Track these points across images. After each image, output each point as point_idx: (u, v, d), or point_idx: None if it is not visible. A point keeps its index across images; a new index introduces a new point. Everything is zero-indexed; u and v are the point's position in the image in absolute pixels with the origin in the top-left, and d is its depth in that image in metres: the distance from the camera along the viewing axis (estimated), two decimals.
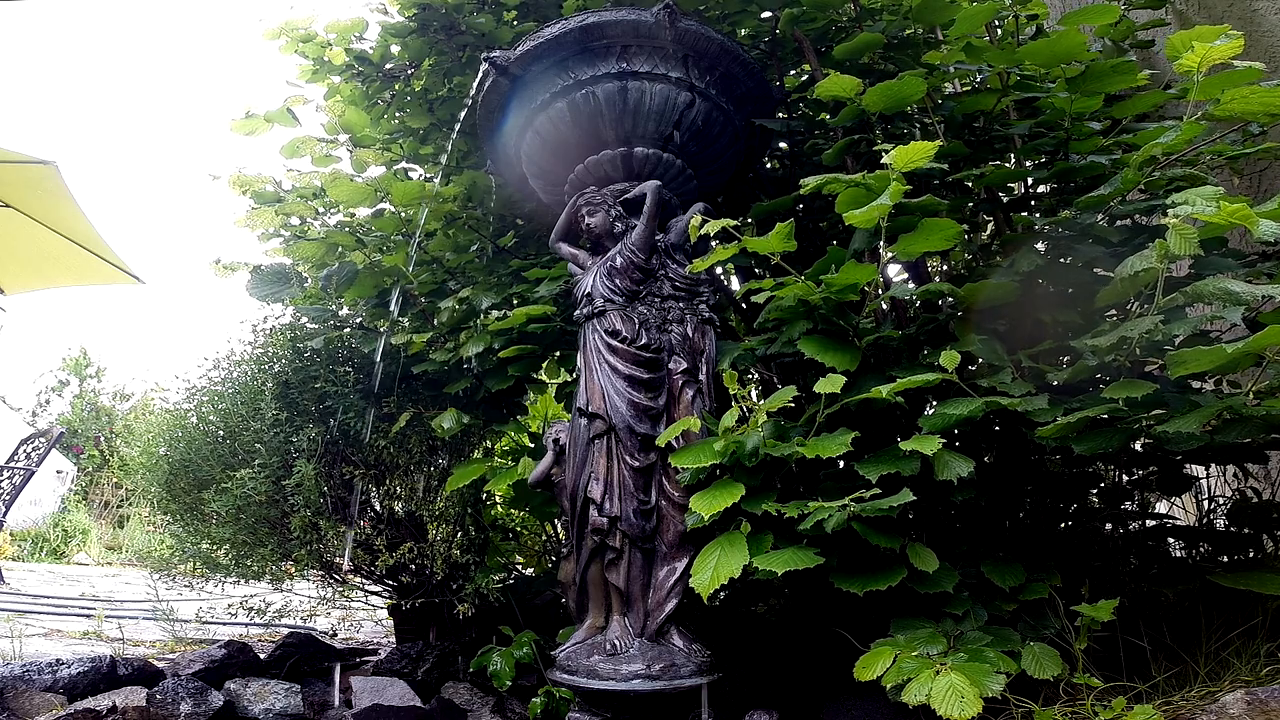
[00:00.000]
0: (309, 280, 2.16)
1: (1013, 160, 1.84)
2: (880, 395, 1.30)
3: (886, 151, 1.30)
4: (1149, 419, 1.24)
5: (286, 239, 2.25)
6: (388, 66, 2.39)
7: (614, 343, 1.64)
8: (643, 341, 1.64)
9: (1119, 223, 1.64)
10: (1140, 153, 1.33)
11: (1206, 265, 1.45)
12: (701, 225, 1.46)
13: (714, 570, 1.38)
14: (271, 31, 2.39)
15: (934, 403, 1.52)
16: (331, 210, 2.34)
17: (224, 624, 3.28)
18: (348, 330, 2.26)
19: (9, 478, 5.08)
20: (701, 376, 1.67)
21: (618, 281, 1.70)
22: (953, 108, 1.77)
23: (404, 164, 2.58)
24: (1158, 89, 1.71)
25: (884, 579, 1.33)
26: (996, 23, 1.91)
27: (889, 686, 1.23)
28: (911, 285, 1.77)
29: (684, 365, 1.66)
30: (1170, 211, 1.11)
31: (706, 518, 1.40)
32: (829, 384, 1.35)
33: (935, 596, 1.38)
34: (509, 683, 1.84)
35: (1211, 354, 1.09)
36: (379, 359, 2.10)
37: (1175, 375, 1.16)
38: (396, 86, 2.42)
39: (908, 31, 1.91)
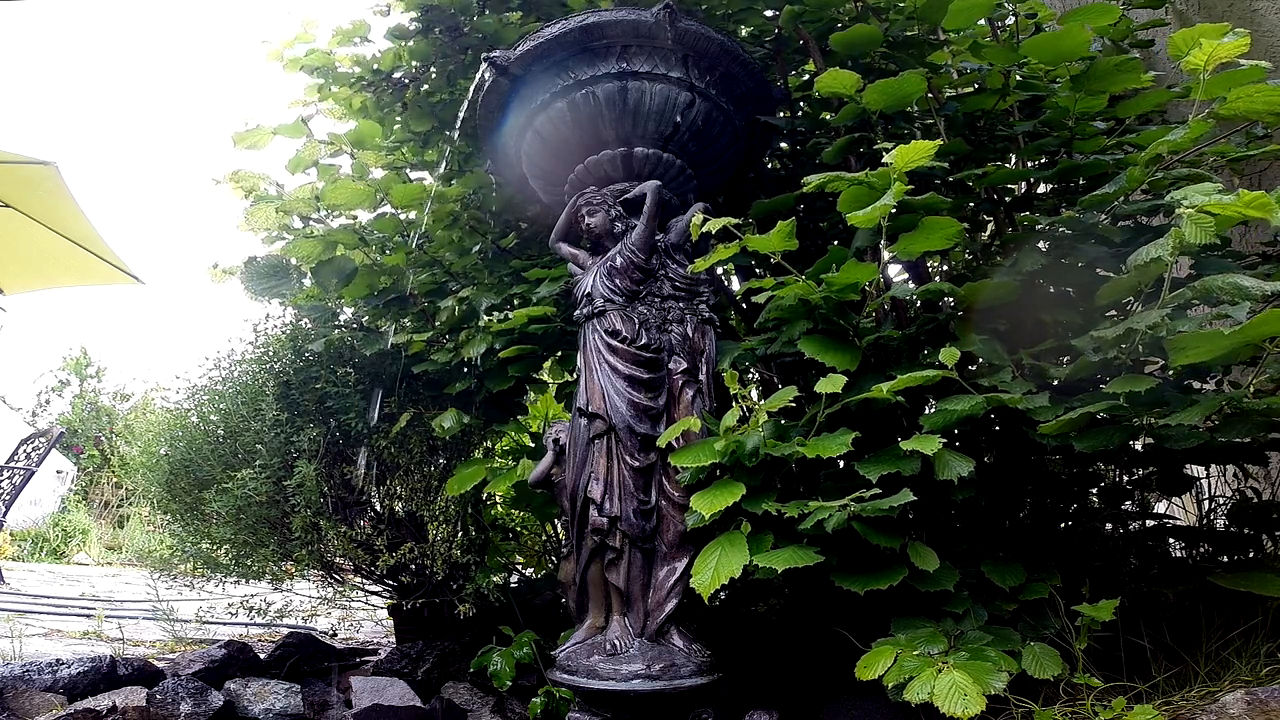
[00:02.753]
0: (308, 277, 2.15)
1: (1014, 160, 1.84)
2: (880, 394, 1.30)
3: (888, 150, 1.30)
4: (1150, 415, 1.23)
5: (288, 242, 2.25)
6: (396, 75, 2.38)
7: (614, 343, 1.65)
8: (643, 341, 1.65)
9: (1122, 223, 1.64)
10: (1147, 151, 1.32)
11: (1207, 265, 1.45)
12: (702, 225, 1.46)
13: (714, 570, 1.38)
14: (274, 52, 2.38)
15: (934, 403, 1.52)
16: (333, 215, 2.34)
17: (224, 624, 3.28)
18: (348, 331, 2.26)
19: (9, 478, 5.09)
20: (701, 376, 1.67)
21: (618, 281, 1.70)
22: (955, 107, 1.77)
23: (407, 170, 2.57)
24: (1159, 89, 1.71)
25: (884, 578, 1.34)
26: (999, 25, 1.91)
27: (890, 685, 1.23)
28: (912, 285, 1.77)
29: (684, 365, 1.66)
30: (1185, 201, 1.10)
31: (707, 517, 1.40)
32: (829, 384, 1.35)
33: (936, 596, 1.38)
34: (509, 683, 1.84)
35: (1211, 338, 1.08)
36: (383, 366, 2.10)
37: (1176, 363, 1.14)
38: (407, 95, 2.40)
39: (910, 32, 1.91)
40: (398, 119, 2.45)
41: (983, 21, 1.83)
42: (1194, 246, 1.10)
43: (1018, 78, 1.71)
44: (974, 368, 1.59)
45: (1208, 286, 1.15)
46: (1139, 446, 1.59)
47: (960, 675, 1.16)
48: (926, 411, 1.45)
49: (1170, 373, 1.50)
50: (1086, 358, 1.29)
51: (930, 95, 1.71)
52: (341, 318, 2.36)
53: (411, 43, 2.26)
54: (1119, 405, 1.22)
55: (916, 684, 1.18)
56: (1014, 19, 1.73)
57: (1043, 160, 1.80)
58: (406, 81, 2.39)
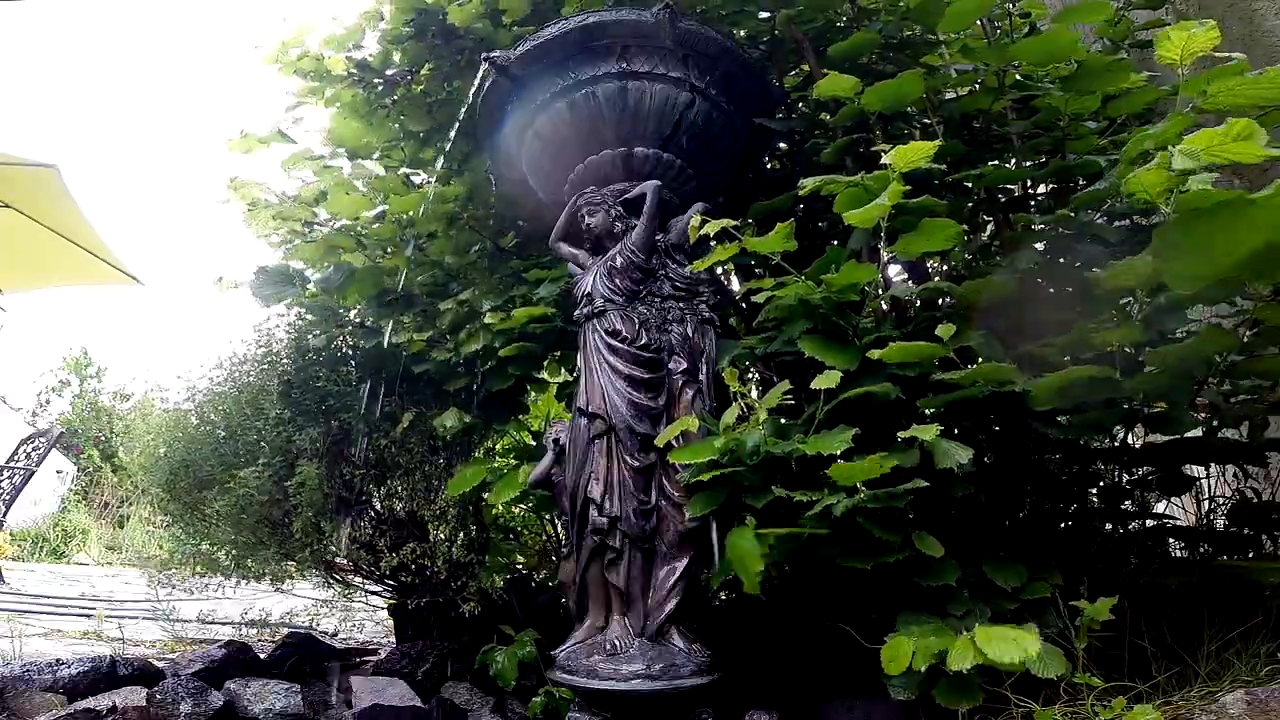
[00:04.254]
0: (311, 282, 2.18)
1: (1012, 161, 1.84)
2: (877, 390, 1.31)
3: (886, 151, 1.31)
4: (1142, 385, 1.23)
5: (289, 243, 2.27)
6: (389, 72, 2.39)
7: (614, 343, 1.65)
8: (643, 341, 1.65)
9: (1117, 223, 1.64)
10: (1130, 144, 1.33)
11: None
12: (701, 225, 1.46)
13: (745, 564, 1.37)
14: (269, 56, 2.39)
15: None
16: (335, 219, 2.35)
17: (224, 624, 3.28)
18: (350, 329, 2.26)
19: (9, 478, 5.09)
20: (701, 376, 1.67)
21: (618, 281, 1.70)
22: (951, 107, 1.77)
23: (405, 169, 2.58)
24: (1154, 89, 1.71)
25: (889, 557, 1.34)
26: (996, 25, 1.91)
27: (923, 669, 1.21)
28: (911, 285, 1.77)
29: (684, 365, 1.66)
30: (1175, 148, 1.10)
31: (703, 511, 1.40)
32: (826, 379, 1.35)
33: (938, 594, 1.38)
34: (512, 682, 1.85)
35: (1209, 212, 1.05)
36: (384, 365, 2.11)
37: (1173, 272, 1.13)
38: (398, 92, 2.41)
39: (907, 32, 1.91)
40: (396, 118, 2.45)
41: (980, 21, 1.83)
42: (1187, 171, 1.08)
43: (1016, 77, 1.70)
44: (973, 367, 1.59)
45: None
46: (1138, 445, 1.59)
47: (1000, 630, 1.14)
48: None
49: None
50: (1089, 341, 1.29)
51: (926, 96, 1.71)
52: (346, 317, 2.36)
53: (406, 45, 2.27)
54: (1111, 378, 1.21)
55: (955, 653, 1.15)
56: (1010, 19, 1.72)
57: (1041, 159, 1.80)
58: (398, 79, 2.39)
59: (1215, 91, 1.28)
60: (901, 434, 1.29)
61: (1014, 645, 1.11)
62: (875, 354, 1.30)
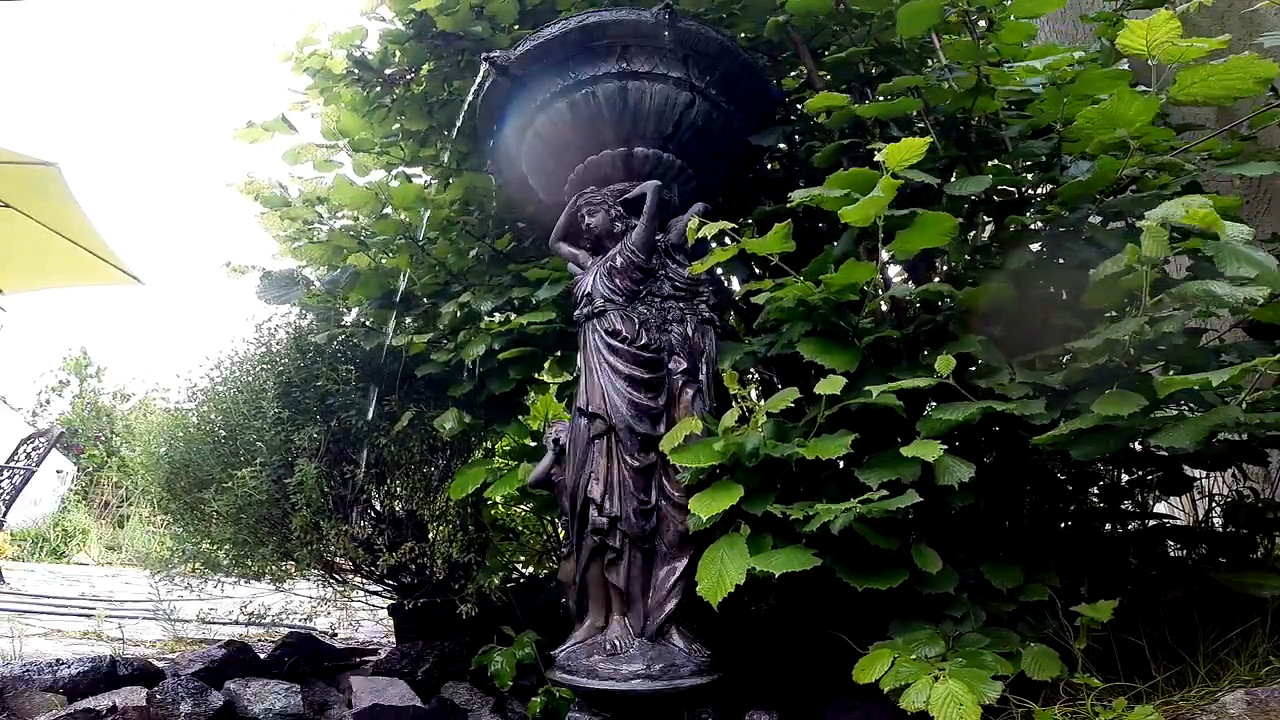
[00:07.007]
0: (315, 283, 2.20)
1: (1010, 164, 1.84)
2: (872, 399, 1.31)
3: (879, 152, 1.31)
4: (1144, 424, 1.24)
5: (296, 241, 2.28)
6: (388, 71, 2.40)
7: (614, 343, 1.65)
8: (643, 341, 1.65)
9: (1112, 225, 1.64)
10: (1095, 125, 1.33)
11: (1204, 268, 1.45)
12: (699, 228, 1.46)
13: (718, 577, 1.38)
14: (284, 54, 2.41)
15: (934, 403, 1.52)
16: (338, 215, 2.36)
17: (224, 624, 3.28)
18: (351, 329, 2.27)
19: (9, 478, 5.09)
20: (702, 376, 1.67)
21: (618, 281, 1.70)
22: (944, 109, 1.77)
23: (404, 168, 2.58)
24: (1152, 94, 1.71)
25: (885, 579, 1.34)
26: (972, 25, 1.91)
27: (887, 690, 1.23)
28: (911, 285, 1.77)
29: (684, 365, 1.66)
30: (1147, 215, 1.12)
31: (705, 520, 1.40)
32: (829, 385, 1.36)
33: (936, 597, 1.38)
34: (510, 683, 1.85)
35: (1199, 381, 1.10)
36: (385, 365, 2.12)
37: (1163, 394, 1.18)
38: (397, 91, 2.42)
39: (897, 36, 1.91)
40: (387, 115, 2.45)
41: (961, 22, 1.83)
42: (1152, 259, 1.12)
43: (1015, 80, 1.70)
44: (973, 369, 1.59)
45: (1184, 294, 1.17)
46: (1137, 447, 1.59)
47: (956, 684, 1.16)
48: (926, 412, 1.45)
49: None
50: (1079, 364, 1.30)
51: (923, 99, 1.71)
52: (347, 319, 2.37)
53: (406, 44, 2.27)
54: (1112, 416, 1.23)
55: (912, 692, 1.19)
56: (968, 16, 1.72)
57: (1040, 159, 1.80)
58: (397, 78, 2.40)
59: (1187, 81, 1.28)
60: (905, 450, 1.30)
61: (955, 707, 1.14)
62: (873, 390, 1.31)
